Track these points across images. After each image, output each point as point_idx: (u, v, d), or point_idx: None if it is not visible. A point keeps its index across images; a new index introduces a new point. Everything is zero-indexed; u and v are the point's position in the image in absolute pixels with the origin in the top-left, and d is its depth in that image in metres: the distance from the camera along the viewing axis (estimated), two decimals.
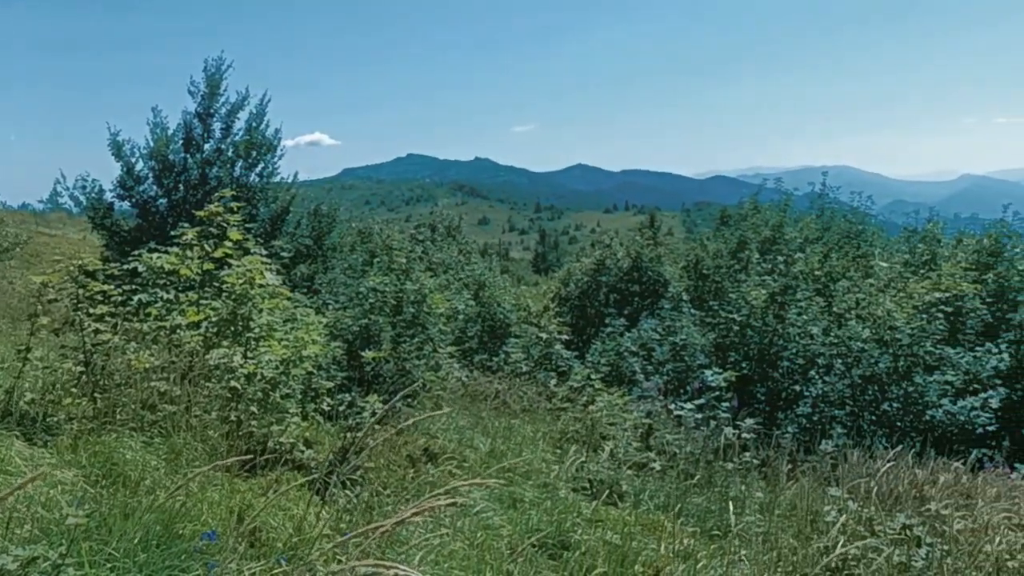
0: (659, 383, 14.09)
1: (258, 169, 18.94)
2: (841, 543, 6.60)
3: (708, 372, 11.26)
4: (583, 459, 8.65)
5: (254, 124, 18.81)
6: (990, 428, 13.36)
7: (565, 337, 17.18)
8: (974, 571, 6.38)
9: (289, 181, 19.93)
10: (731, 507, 7.34)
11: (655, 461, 9.28)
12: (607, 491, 7.84)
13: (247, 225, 8.88)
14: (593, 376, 11.22)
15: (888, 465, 7.20)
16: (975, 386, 14.17)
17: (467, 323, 21.36)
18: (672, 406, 11.19)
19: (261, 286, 7.36)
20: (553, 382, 14.23)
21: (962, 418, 13.30)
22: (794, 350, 14.60)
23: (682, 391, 14.00)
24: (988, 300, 16.87)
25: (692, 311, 17.86)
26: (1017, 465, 11.15)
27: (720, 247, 21.56)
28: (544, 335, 17.03)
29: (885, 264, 17.77)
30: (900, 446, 10.42)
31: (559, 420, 11.47)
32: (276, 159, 19.19)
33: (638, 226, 33.16)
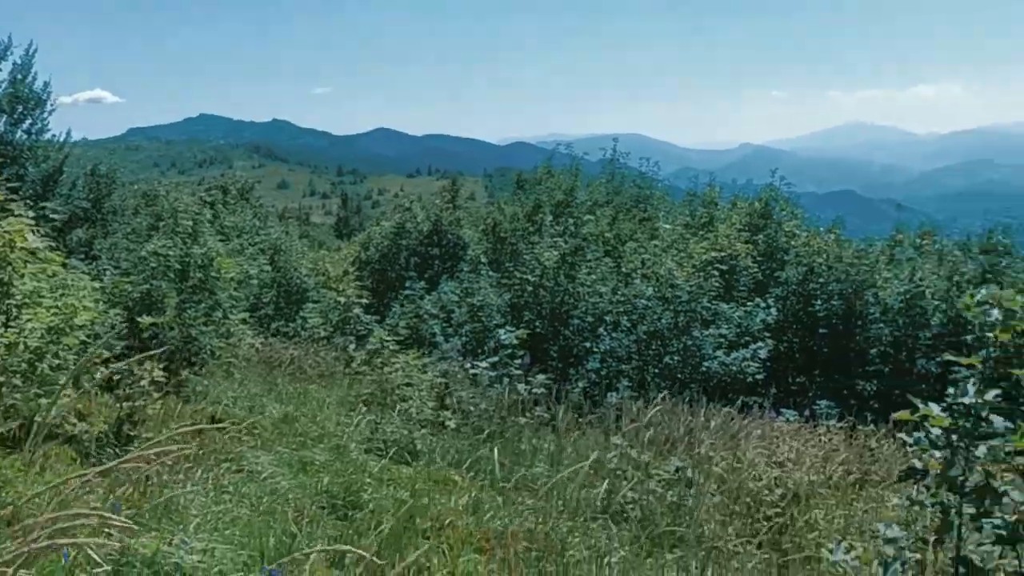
0: (458, 344, 14.30)
1: (25, 125, 17.49)
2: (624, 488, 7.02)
3: (502, 331, 11.54)
4: (378, 420, 8.67)
5: (19, 76, 17.31)
6: (759, 377, 14.50)
7: (364, 301, 17.04)
8: (735, 505, 6.95)
9: (62, 139, 18.53)
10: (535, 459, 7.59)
11: (450, 419, 9.44)
12: (400, 450, 7.92)
13: (10, 185, 8.19)
14: (388, 338, 11.21)
15: (655, 410, 7.64)
16: (746, 339, 15.32)
17: (262, 289, 20.78)
18: (468, 365, 11.39)
19: (23, 249, 6.83)
20: (352, 346, 14.10)
21: (734, 368, 14.37)
22: (584, 309, 15.22)
23: (480, 351, 14.27)
24: (759, 259, 18.25)
25: (490, 273, 18.19)
26: (783, 410, 12.16)
27: (516, 210, 22.05)
28: (343, 299, 16.82)
29: (668, 226, 18.82)
30: (677, 396, 11.16)
31: (357, 384, 11.42)
32: (46, 115, 17.78)
33: (440, 190, 33.27)
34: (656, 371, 14.67)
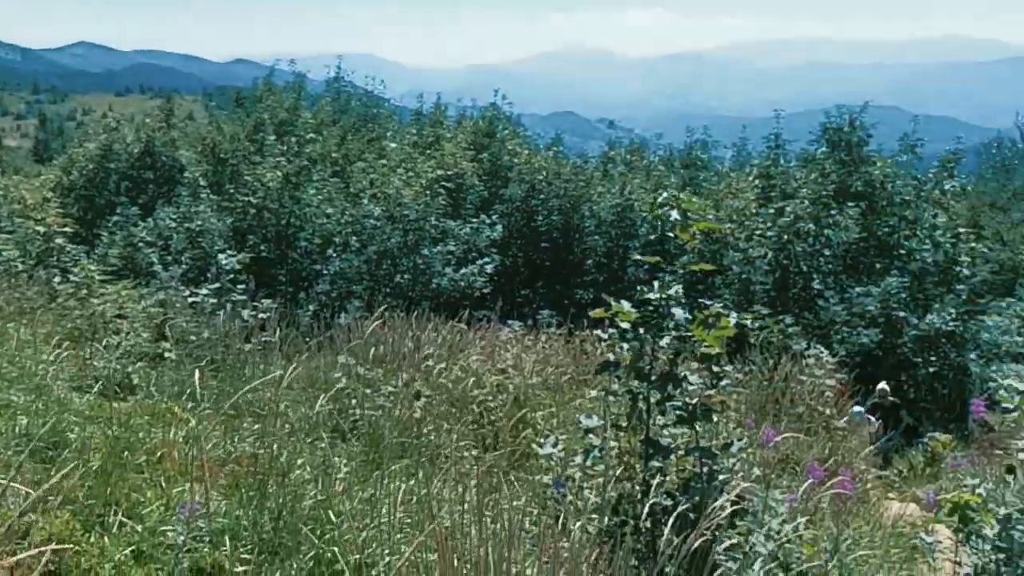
0: (177, 273, 13.54)
1: None
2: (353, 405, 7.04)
3: (222, 256, 11.05)
4: (87, 356, 8.05)
5: None
6: (486, 291, 15.00)
7: (69, 230, 15.62)
8: (461, 412, 7.20)
9: None
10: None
11: (169, 350, 8.96)
12: (113, 386, 7.42)
13: None
14: (94, 269, 10.38)
15: (374, 324, 7.69)
16: (473, 255, 15.75)
17: None
18: (188, 294, 10.83)
19: None
20: (56, 279, 12.92)
21: (463, 284, 14.76)
22: (311, 230, 14.92)
23: (202, 279, 13.61)
24: (484, 177, 18.71)
25: (210, 196, 17.29)
26: (509, 321, 12.65)
27: (237, 130, 21.00)
28: (43, 229, 15.31)
29: (395, 145, 18.74)
30: (407, 313, 11.29)
31: (63, 320, 10.51)
32: None
33: (154, 110, 30.92)
34: (387, 290, 14.75)
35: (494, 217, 17.06)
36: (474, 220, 16.47)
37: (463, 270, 15.02)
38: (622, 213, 17.87)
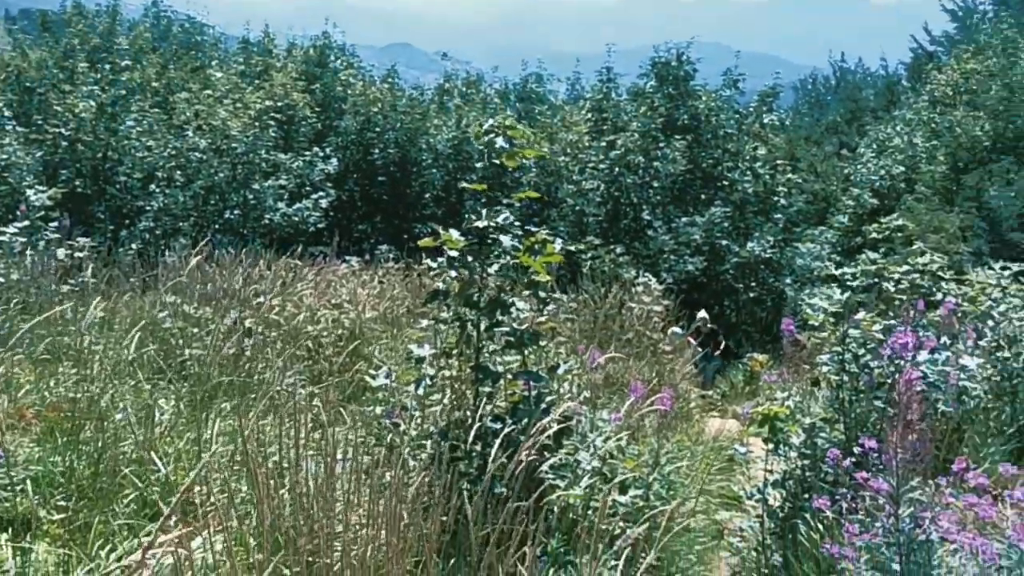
0: None
1: None
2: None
3: (31, 192, 10.30)
4: None
5: None
6: (321, 226, 14.68)
7: None
8: (295, 349, 7.07)
9: None
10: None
11: None
12: None
13: None
14: None
15: (196, 260, 7.43)
16: (307, 189, 15.33)
17: None
18: None
19: None
20: None
21: (297, 219, 14.37)
22: (131, 164, 14.09)
23: (10, 217, 12.65)
24: (317, 109, 18.13)
25: (16, 128, 15.97)
26: (347, 257, 12.46)
27: (44, 56, 19.40)
28: None
29: (221, 75, 17.82)
30: (238, 250, 10.91)
31: None
32: None
33: None
34: (217, 227, 14.18)
35: (328, 150, 16.62)
36: (307, 153, 15.99)
37: (297, 205, 14.61)
38: (459, 147, 17.79)
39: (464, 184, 3.63)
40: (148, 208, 13.68)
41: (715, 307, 15.07)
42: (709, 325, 12.89)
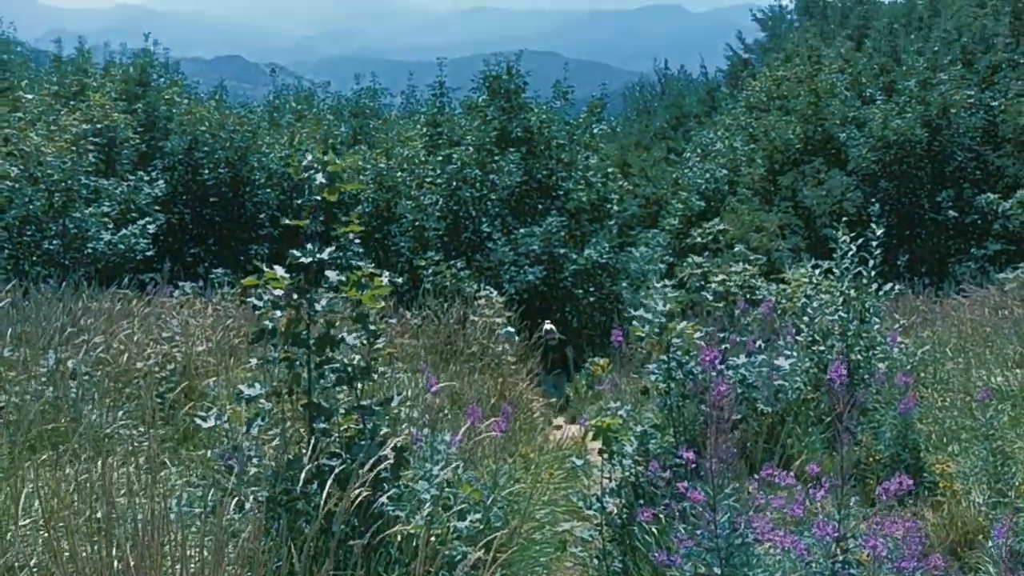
0: None
1: None
2: None
3: None
4: None
5: None
6: (149, 253, 14.08)
7: None
8: (124, 388, 6.76)
9: None
10: None
11: None
12: None
13: None
14: None
15: (4, 296, 7.01)
16: (134, 215, 14.67)
17: None
18: None
19: None
20: None
21: (123, 247, 13.72)
22: None
23: None
24: (140, 130, 17.36)
25: None
26: (180, 284, 11.97)
27: None
28: None
29: (32, 96, 16.80)
30: (61, 282, 10.32)
31: None
32: None
33: None
34: (35, 259, 13.36)
35: (154, 173, 15.95)
36: (132, 177, 15.30)
37: (123, 232, 13.95)
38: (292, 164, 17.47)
39: (286, 221, 3.60)
40: None
41: (557, 314, 15.43)
42: (557, 336, 13.11)
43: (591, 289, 16.51)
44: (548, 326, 13.11)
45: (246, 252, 16.86)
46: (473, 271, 14.09)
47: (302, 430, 3.77)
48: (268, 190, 17.53)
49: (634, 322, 5.27)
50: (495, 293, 11.71)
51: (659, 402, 5.45)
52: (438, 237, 16.25)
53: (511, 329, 10.95)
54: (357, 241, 4.14)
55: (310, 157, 3.59)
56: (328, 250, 3.67)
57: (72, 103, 17.81)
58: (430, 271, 13.18)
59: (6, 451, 5.59)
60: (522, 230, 15.91)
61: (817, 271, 7.49)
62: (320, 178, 3.55)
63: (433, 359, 9.55)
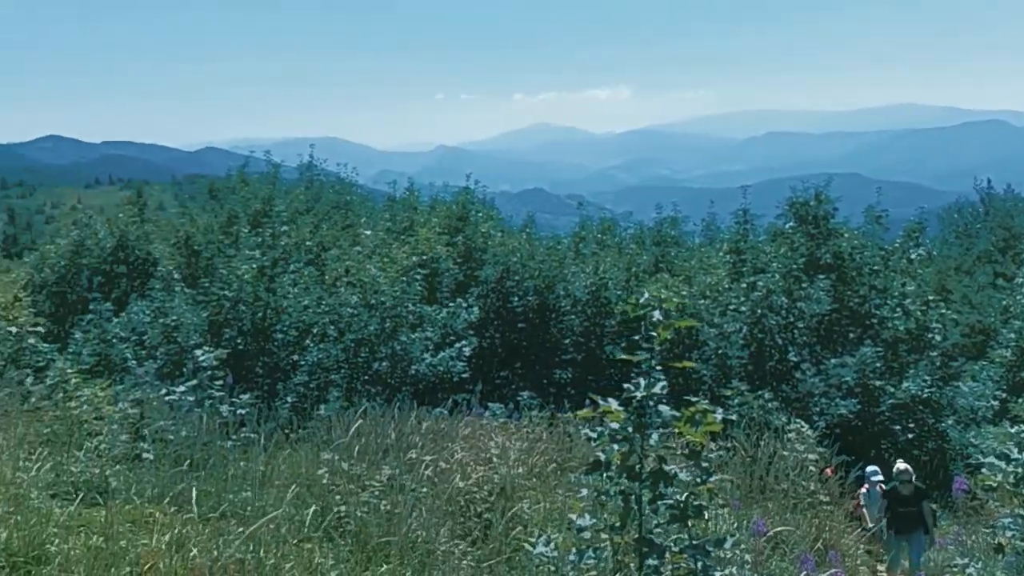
0: (152, 368, 13.42)
1: None
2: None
3: (199, 352, 10.98)
4: (63, 461, 7.92)
5: None
6: (464, 375, 14.98)
7: (41, 329, 15.48)
8: (448, 505, 7.13)
9: None
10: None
11: (147, 451, 8.83)
12: (91, 492, 7.29)
13: None
14: (71, 369, 10.29)
15: (359, 421, 7.66)
16: (451, 339, 15.76)
17: None
18: (164, 391, 10.72)
19: None
20: (29, 380, 12.77)
21: (441, 368, 14.73)
22: (287, 321, 14.89)
23: (178, 375, 13.50)
24: (459, 260, 18.84)
25: (184, 290, 17.25)
26: (489, 404, 12.61)
27: (211, 222, 21.07)
28: (15, 329, 15.17)
29: (369, 232, 18.87)
30: (387, 402, 11.24)
31: (37, 423, 10.35)
32: None
33: (125, 202, 30.94)
34: (366, 378, 14.69)
35: (470, 299, 17.12)
36: (450, 304, 16.52)
37: (441, 354, 15.00)
38: (596, 292, 18.03)
39: (622, 356, 3.69)
40: (303, 363, 14.32)
41: (871, 452, 14.35)
42: (913, 480, 10.44)
43: (910, 424, 15.23)
44: (902, 465, 10.69)
45: (550, 376, 17.44)
46: (780, 402, 13.55)
47: (632, 565, 3.75)
48: (572, 316, 18.16)
49: (983, 469, 4.77)
50: (806, 427, 11.12)
51: (1016, 562, 4.84)
52: (741, 366, 15.88)
53: (875, 468, 10.20)
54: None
55: (647, 295, 3.69)
56: (660, 383, 3.71)
57: (402, 237, 19.75)
58: (735, 401, 12.84)
59: (344, 561, 6.05)
60: (833, 360, 15.14)
61: None
62: (657, 315, 3.63)
63: (741, 495, 9.19)
